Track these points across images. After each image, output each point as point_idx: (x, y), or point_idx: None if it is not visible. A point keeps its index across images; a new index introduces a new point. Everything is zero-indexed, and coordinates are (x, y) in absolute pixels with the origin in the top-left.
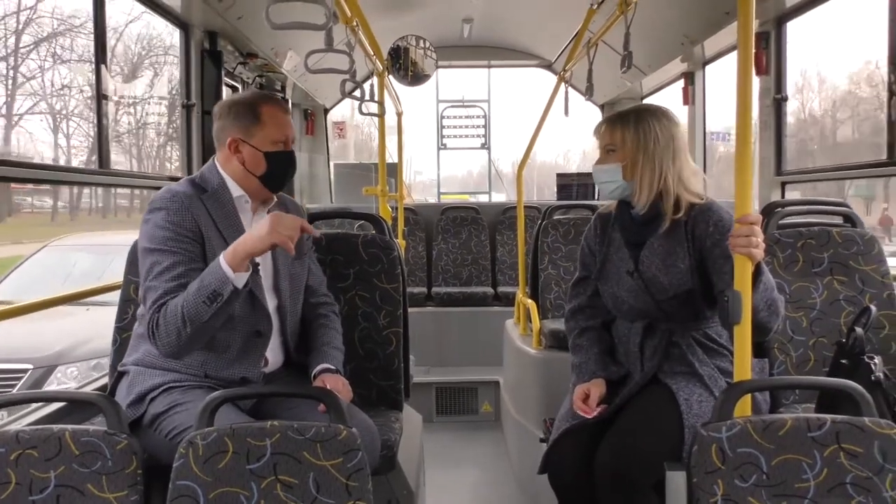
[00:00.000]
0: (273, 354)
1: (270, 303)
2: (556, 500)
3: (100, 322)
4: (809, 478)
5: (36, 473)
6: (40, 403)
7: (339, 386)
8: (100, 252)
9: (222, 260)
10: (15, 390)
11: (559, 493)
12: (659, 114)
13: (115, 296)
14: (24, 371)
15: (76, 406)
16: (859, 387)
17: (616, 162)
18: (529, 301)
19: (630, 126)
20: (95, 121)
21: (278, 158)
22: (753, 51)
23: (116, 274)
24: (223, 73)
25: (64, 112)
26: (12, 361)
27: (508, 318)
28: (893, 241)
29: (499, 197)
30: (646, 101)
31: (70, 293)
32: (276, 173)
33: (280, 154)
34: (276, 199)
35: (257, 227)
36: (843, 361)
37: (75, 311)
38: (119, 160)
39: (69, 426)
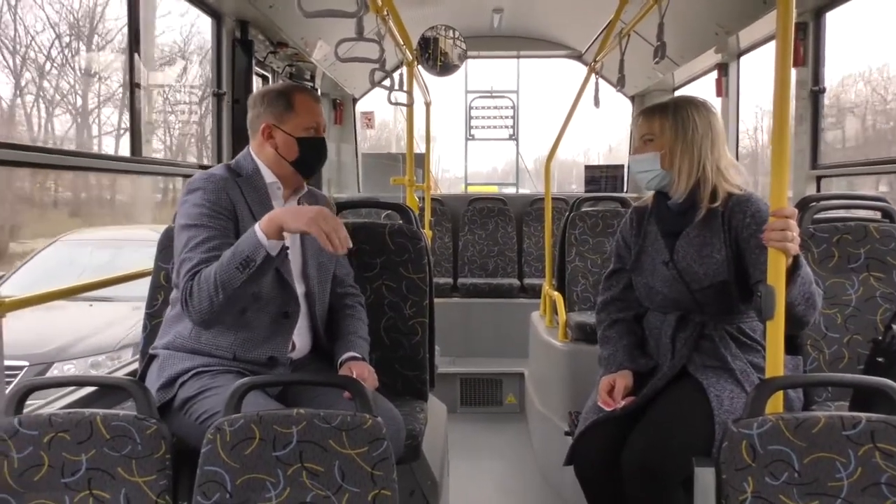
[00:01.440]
0: (301, 339)
1: (299, 289)
2: (581, 493)
3: (101, 318)
4: (843, 477)
5: (68, 456)
6: (71, 388)
7: (364, 374)
8: (109, 246)
9: (257, 227)
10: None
11: (585, 485)
12: (697, 103)
13: (117, 291)
14: (20, 368)
15: (106, 391)
16: None
17: (654, 151)
18: (556, 293)
19: (668, 115)
20: (129, 109)
21: (310, 144)
22: (792, 42)
23: (124, 266)
24: (253, 62)
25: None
26: (8, 358)
27: (534, 311)
28: None
29: (523, 190)
30: (678, 92)
31: (100, 279)
32: (308, 159)
33: (312, 140)
34: (306, 189)
35: (300, 207)
36: (880, 359)
37: (77, 307)
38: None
39: (100, 410)
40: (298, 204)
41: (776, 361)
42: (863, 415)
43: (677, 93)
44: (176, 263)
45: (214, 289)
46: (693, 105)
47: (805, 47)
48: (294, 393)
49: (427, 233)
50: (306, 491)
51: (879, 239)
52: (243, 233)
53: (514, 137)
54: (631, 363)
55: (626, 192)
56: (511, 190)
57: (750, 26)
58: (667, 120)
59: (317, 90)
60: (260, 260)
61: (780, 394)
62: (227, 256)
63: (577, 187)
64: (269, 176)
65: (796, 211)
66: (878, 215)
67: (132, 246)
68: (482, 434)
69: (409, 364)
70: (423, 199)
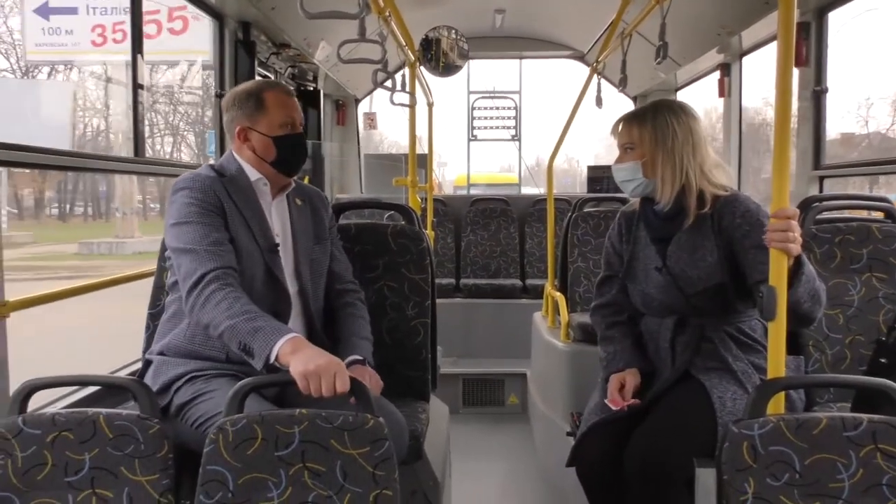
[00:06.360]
0: None
1: (291, 287)
2: (583, 494)
3: None
4: (844, 478)
5: (71, 455)
6: (73, 388)
7: (366, 378)
8: None
9: (280, 347)
10: None
11: (587, 486)
12: (676, 108)
13: None
14: None
15: (109, 391)
16: None
17: (635, 160)
18: (558, 294)
19: (647, 123)
20: (132, 111)
21: (287, 142)
22: (794, 42)
23: None
24: (256, 63)
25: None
26: None
27: (536, 311)
28: None
29: (525, 190)
30: (680, 93)
31: (103, 280)
32: (287, 157)
33: (288, 137)
34: (293, 185)
35: (311, 357)
36: (882, 360)
37: None
38: None
39: (103, 410)
40: (287, 201)
41: (778, 362)
42: (864, 416)
43: (679, 94)
44: (175, 257)
45: (214, 328)
46: (671, 110)
47: (807, 47)
48: (291, 396)
49: (429, 233)
50: (308, 491)
51: (882, 239)
52: (233, 230)
53: (516, 138)
54: (639, 362)
55: None
56: (513, 190)
57: (752, 26)
58: (645, 128)
59: (319, 91)
60: (260, 365)
61: (782, 394)
62: (245, 329)
63: (557, 192)
64: (253, 174)
65: (798, 211)
66: (880, 216)
67: None
68: (484, 434)
69: (411, 365)
70: (426, 199)
